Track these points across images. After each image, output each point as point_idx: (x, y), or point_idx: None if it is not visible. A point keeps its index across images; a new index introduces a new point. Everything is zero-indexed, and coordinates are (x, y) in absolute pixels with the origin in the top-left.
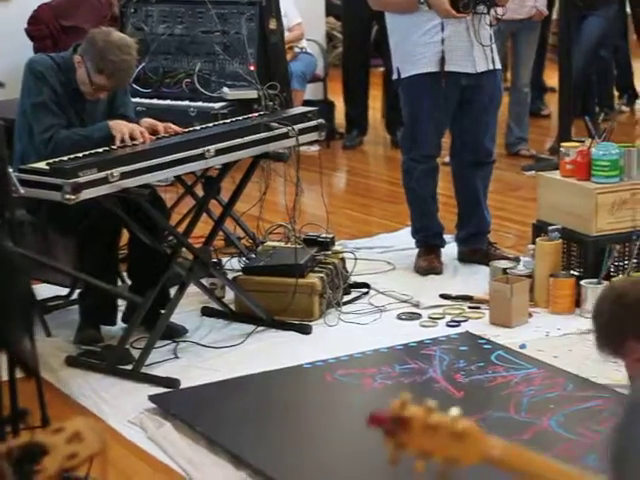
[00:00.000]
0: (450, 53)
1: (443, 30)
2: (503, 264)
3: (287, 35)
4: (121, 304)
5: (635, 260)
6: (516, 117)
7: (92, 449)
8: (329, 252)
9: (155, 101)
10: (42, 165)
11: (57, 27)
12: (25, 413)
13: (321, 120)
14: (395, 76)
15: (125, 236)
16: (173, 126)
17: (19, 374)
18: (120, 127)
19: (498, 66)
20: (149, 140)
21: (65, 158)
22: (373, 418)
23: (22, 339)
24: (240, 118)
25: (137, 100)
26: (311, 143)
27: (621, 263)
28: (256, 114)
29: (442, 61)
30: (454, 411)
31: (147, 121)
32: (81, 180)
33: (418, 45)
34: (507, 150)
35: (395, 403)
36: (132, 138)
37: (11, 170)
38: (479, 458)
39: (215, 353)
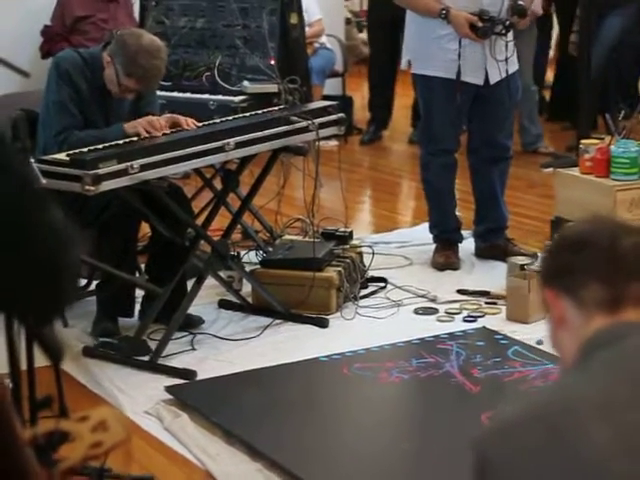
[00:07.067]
0: (464, 63)
1: (459, 41)
2: (521, 260)
3: (307, 30)
4: (137, 298)
5: None
6: (528, 116)
7: (116, 439)
8: (347, 246)
9: (175, 94)
10: (62, 156)
11: (68, 29)
12: (49, 401)
13: (341, 114)
14: (405, 66)
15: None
16: (196, 122)
17: (40, 363)
18: (134, 125)
19: (514, 69)
20: (166, 127)
21: (85, 149)
22: None
23: (53, 322)
24: (260, 112)
25: (157, 93)
26: (329, 138)
27: None
28: (276, 108)
29: (458, 74)
30: None
31: (168, 116)
32: (101, 172)
33: (432, 45)
34: (523, 148)
35: None
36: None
37: (32, 161)
38: None
39: (232, 346)
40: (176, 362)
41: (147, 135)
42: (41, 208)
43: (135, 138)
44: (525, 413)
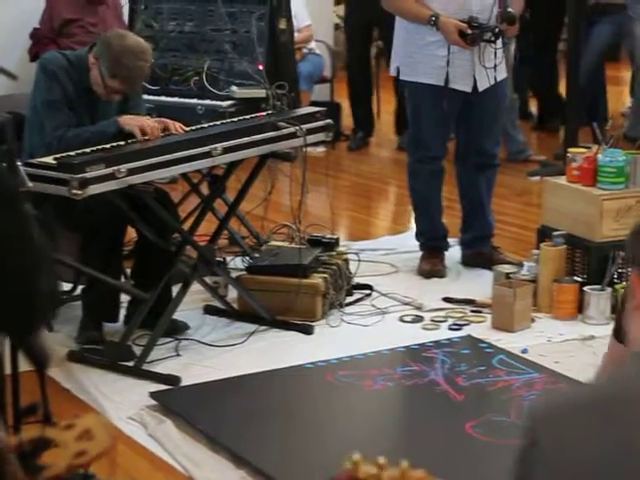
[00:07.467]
0: (453, 70)
1: (448, 47)
2: (507, 268)
3: (296, 36)
4: (123, 302)
5: None
6: (512, 125)
7: (101, 448)
8: (333, 253)
9: (163, 98)
10: (49, 160)
11: (56, 32)
12: (34, 409)
13: (329, 120)
14: (394, 73)
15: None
16: (183, 127)
17: (25, 367)
18: (130, 122)
19: (502, 76)
20: (159, 135)
21: (72, 153)
22: None
23: (38, 332)
24: (248, 117)
25: (145, 97)
26: (317, 144)
27: (625, 270)
28: (264, 113)
29: (446, 81)
30: (404, 464)
31: (157, 120)
32: (88, 175)
33: (421, 52)
34: (509, 157)
35: (348, 465)
36: (143, 133)
37: (19, 164)
38: None
39: (217, 352)
40: (161, 368)
41: (142, 137)
42: (19, 226)
43: (122, 142)
44: (584, 397)
